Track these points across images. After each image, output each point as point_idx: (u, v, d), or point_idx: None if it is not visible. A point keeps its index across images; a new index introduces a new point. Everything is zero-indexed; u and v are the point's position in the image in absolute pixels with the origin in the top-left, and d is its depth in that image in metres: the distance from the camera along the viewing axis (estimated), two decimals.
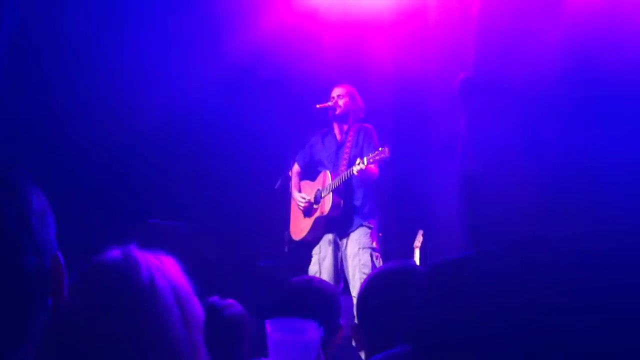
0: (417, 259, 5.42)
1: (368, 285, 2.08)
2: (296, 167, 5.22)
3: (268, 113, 6.18)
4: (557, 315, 0.69)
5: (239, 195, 6.19)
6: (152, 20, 6.03)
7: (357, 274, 4.69)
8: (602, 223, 0.69)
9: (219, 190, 6.20)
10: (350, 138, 4.97)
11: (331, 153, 5.03)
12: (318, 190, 5.00)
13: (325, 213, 4.88)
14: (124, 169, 5.89)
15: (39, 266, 1.06)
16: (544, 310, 0.69)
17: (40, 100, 5.74)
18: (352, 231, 4.85)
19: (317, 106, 5.02)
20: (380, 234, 5.14)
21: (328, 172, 4.96)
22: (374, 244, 4.82)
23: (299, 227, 5.04)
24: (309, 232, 4.97)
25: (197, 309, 1.25)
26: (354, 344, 2.29)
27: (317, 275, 4.75)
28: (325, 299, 2.46)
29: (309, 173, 5.16)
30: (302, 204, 5.00)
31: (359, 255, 4.75)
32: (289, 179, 5.03)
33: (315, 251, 4.97)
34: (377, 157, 4.59)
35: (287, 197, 5.20)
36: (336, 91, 5.06)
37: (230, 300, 2.74)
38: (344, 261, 4.87)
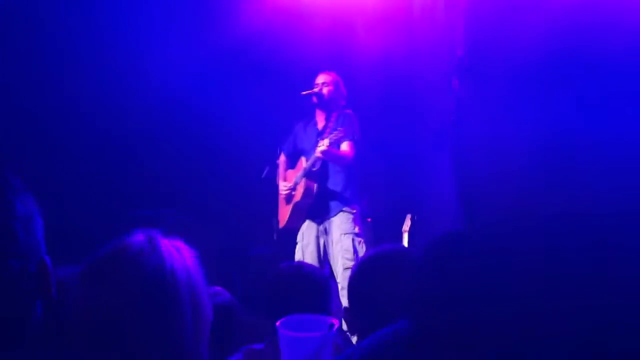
0: (405, 242, 5.43)
1: (359, 269, 2.09)
2: (282, 157, 5.21)
3: (255, 101, 6.16)
4: (555, 290, 0.68)
5: (227, 184, 6.19)
6: (141, 11, 6.00)
7: (339, 260, 4.68)
8: (594, 203, 0.69)
9: (207, 179, 6.19)
10: (330, 125, 4.94)
11: (312, 141, 5.00)
12: (296, 177, 5.01)
13: (298, 199, 4.89)
14: (112, 159, 5.88)
15: (22, 270, 1.04)
16: (543, 284, 0.69)
17: (30, 94, 5.70)
18: (332, 217, 4.82)
19: (302, 93, 5.00)
20: (369, 219, 5.14)
21: (304, 159, 4.96)
22: (357, 229, 4.80)
23: (283, 214, 5.06)
24: (289, 219, 4.98)
25: (207, 303, 1.24)
26: (344, 327, 2.29)
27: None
28: (316, 284, 2.46)
29: (295, 162, 5.15)
30: (284, 192, 5.00)
31: (340, 241, 4.74)
32: (277, 167, 5.03)
33: (299, 238, 4.97)
34: (334, 137, 4.61)
35: (275, 185, 5.19)
36: (321, 78, 5.03)
37: (218, 288, 2.73)
38: (327, 247, 4.87)
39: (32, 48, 5.78)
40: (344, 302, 3.90)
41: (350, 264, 4.54)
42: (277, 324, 1.47)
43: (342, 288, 4.32)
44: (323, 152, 4.62)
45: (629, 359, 0.65)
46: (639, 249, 0.64)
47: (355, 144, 4.83)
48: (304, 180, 4.86)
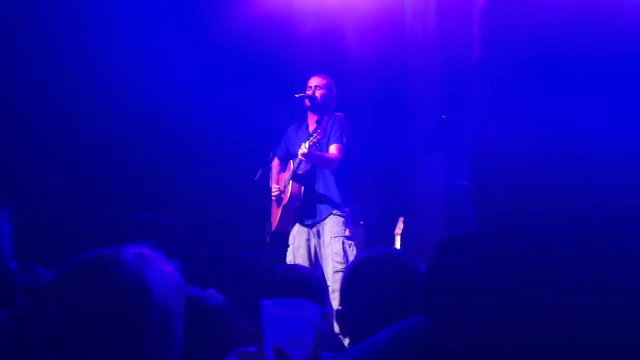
0: (398, 245, 5.45)
1: (352, 271, 2.09)
2: (275, 160, 5.21)
3: (248, 104, 6.17)
4: (563, 291, 0.70)
5: (219, 187, 6.19)
6: (135, 13, 5.99)
7: (329, 263, 4.68)
8: (606, 202, 0.70)
9: (200, 182, 6.19)
10: (321, 127, 4.94)
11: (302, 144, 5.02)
12: (285, 180, 5.01)
13: (285, 202, 4.89)
14: (104, 163, 5.87)
15: None
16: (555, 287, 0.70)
17: (25, 97, 5.69)
18: (322, 220, 4.82)
19: (296, 96, 5.00)
20: (362, 222, 5.15)
21: (292, 162, 4.97)
22: (347, 232, 4.79)
23: (274, 217, 5.06)
24: (279, 222, 4.98)
25: (178, 329, 1.25)
26: (336, 329, 2.30)
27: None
28: (312, 287, 2.46)
29: (286, 165, 5.15)
30: (275, 194, 5.01)
31: (331, 244, 4.73)
32: (270, 169, 5.03)
33: (290, 241, 4.96)
34: (314, 139, 4.61)
35: (267, 188, 5.19)
36: (314, 81, 5.03)
37: (210, 291, 2.73)
38: (317, 250, 4.88)
39: (27, 50, 5.77)
40: (335, 304, 3.90)
41: (341, 267, 4.54)
42: (263, 302, 1.46)
43: (333, 291, 4.32)
44: (304, 155, 4.63)
45: (630, 358, 0.66)
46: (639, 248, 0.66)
47: (343, 146, 4.83)
48: (290, 183, 4.86)
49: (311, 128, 5.02)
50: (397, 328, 0.85)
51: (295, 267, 2.66)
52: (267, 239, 4.78)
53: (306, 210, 4.87)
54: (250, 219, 5.32)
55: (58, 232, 5.13)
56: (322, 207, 4.83)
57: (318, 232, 4.85)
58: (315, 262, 4.87)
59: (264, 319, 1.35)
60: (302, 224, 4.90)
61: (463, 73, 4.93)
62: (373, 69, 6.19)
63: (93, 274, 1.19)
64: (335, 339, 3.77)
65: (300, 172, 4.82)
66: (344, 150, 4.80)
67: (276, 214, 5.04)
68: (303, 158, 4.67)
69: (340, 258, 4.63)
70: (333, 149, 4.80)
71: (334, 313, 2.17)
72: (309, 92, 4.98)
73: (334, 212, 4.81)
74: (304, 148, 4.60)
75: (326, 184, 4.85)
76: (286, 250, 4.96)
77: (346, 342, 2.66)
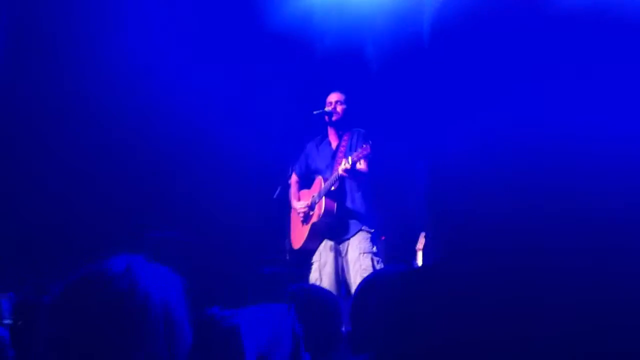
0: (420, 261, 5.40)
1: (361, 290, 2.08)
2: (294, 177, 5.21)
3: (266, 122, 6.19)
4: (529, 319, 0.68)
5: (239, 204, 6.20)
6: (144, 24, 6.05)
7: (358, 279, 4.66)
8: (580, 221, 0.69)
9: (220, 200, 6.21)
10: (344, 143, 4.97)
11: (326, 160, 5.02)
12: (313, 196, 4.99)
13: (319, 219, 4.87)
14: (124, 180, 5.91)
15: None
16: (516, 314, 0.69)
17: (26, 103, 5.75)
18: (352, 236, 4.83)
19: (314, 112, 5.01)
20: (383, 237, 5.12)
21: (321, 178, 4.95)
22: (374, 249, 4.81)
23: (298, 235, 5.03)
24: (307, 239, 4.96)
25: (185, 334, 1.25)
26: (351, 349, 2.28)
27: (318, 282, 4.73)
28: (324, 308, 2.45)
29: (308, 182, 5.13)
30: (302, 212, 4.98)
31: (359, 261, 4.74)
32: (289, 187, 5.01)
33: (315, 258, 4.95)
34: (360, 155, 4.59)
35: (286, 205, 5.19)
36: (334, 97, 5.05)
37: (230, 311, 2.73)
38: (345, 267, 4.85)
39: (32, 57, 5.84)
40: None
41: None
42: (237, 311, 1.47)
43: None
44: (346, 171, 4.61)
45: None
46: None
47: (370, 162, 4.85)
48: (323, 199, 4.85)
49: (334, 144, 5.04)
50: None
51: (309, 288, 2.65)
52: (287, 257, 4.75)
53: (336, 227, 4.87)
54: (268, 236, 5.31)
55: (76, 250, 5.19)
56: (352, 223, 4.85)
57: (344, 248, 4.84)
58: (342, 279, 4.86)
59: (241, 328, 1.36)
60: (331, 240, 4.88)
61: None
62: (392, 82, 6.17)
63: (82, 290, 1.20)
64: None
65: (333, 188, 4.82)
66: (371, 166, 4.82)
67: (302, 231, 5.01)
68: (345, 174, 4.65)
69: (369, 274, 4.61)
70: (362, 164, 4.81)
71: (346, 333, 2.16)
72: (328, 108, 5.00)
73: (362, 227, 4.83)
74: (346, 164, 4.60)
75: (355, 200, 4.88)
76: (307, 268, 4.95)
77: None
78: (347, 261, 4.83)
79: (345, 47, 6.27)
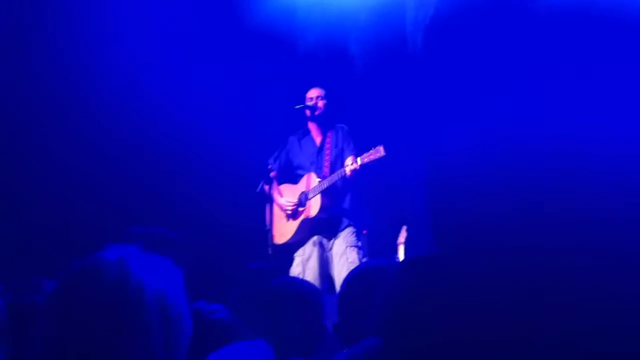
0: (401, 255, 5.44)
1: (348, 283, 2.10)
2: (273, 172, 5.19)
3: (248, 117, 6.19)
4: (529, 317, 0.70)
5: (222, 199, 6.20)
6: (135, 25, 6.03)
7: (344, 272, 4.69)
8: (575, 223, 0.71)
9: (202, 194, 6.20)
10: (329, 140, 4.99)
11: (311, 156, 5.02)
12: (303, 193, 4.98)
13: (312, 215, 4.88)
14: (108, 176, 5.89)
15: None
16: (512, 309, 0.71)
17: (19, 102, 5.73)
18: (342, 230, 4.88)
19: (296, 107, 5.01)
20: (365, 231, 5.15)
21: (313, 175, 4.95)
22: (359, 243, 4.88)
23: (283, 230, 5.00)
24: (294, 235, 4.97)
25: (184, 319, 1.24)
26: (337, 342, 2.29)
27: (301, 276, 4.75)
28: (308, 302, 2.46)
29: (285, 176, 5.10)
30: (290, 208, 4.96)
31: (346, 254, 4.79)
32: (272, 181, 4.98)
33: (298, 253, 4.96)
34: (372, 157, 4.58)
35: (266, 199, 5.16)
36: (315, 92, 5.06)
37: (217, 305, 2.74)
38: (330, 260, 4.88)
39: (28, 59, 5.82)
40: None
41: None
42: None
43: None
44: (352, 172, 4.63)
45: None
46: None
47: (356, 157, 4.88)
48: (319, 196, 4.85)
49: (317, 140, 5.05)
50: (354, 349, 0.86)
51: (292, 281, 2.66)
52: (270, 251, 4.75)
53: (328, 223, 4.91)
54: (250, 231, 5.31)
55: (64, 245, 5.16)
56: (342, 219, 4.90)
57: (332, 242, 4.89)
58: (326, 273, 4.88)
59: None
60: (321, 235, 4.90)
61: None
62: (375, 78, 6.20)
63: (75, 282, 1.19)
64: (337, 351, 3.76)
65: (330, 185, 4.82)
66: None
67: (287, 226, 5.00)
68: (350, 173, 4.65)
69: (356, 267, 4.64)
70: (352, 159, 4.84)
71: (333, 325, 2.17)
72: (310, 104, 5.00)
73: (350, 223, 4.89)
74: (354, 165, 4.60)
75: (345, 197, 4.94)
76: (286, 262, 4.97)
77: None
78: (332, 255, 4.87)
79: (328, 44, 6.29)
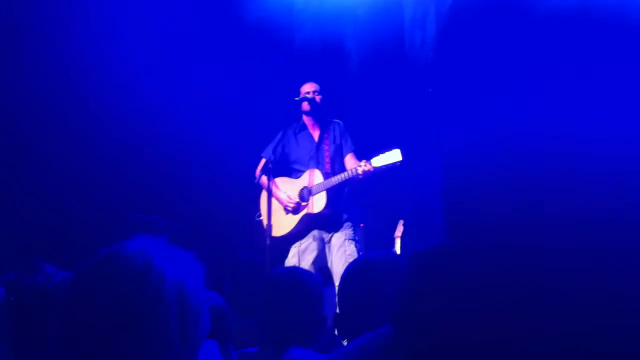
0: (398, 248, 5.48)
1: (349, 274, 2.11)
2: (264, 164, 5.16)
3: (246, 108, 6.20)
4: (535, 309, 0.71)
5: (219, 188, 6.21)
6: (133, 18, 6.03)
7: (342, 264, 4.71)
8: (583, 219, 0.72)
9: (199, 183, 6.22)
10: (326, 135, 5.01)
11: (310, 151, 5.02)
12: (305, 188, 4.98)
13: (316, 211, 4.90)
14: (105, 165, 5.90)
15: None
16: (523, 303, 0.71)
17: (28, 98, 5.72)
18: (340, 225, 4.92)
19: (295, 99, 5.00)
20: (362, 225, 5.18)
21: (317, 171, 4.96)
22: (356, 237, 4.95)
23: (281, 223, 4.98)
24: (293, 229, 4.97)
25: (201, 311, 1.25)
26: (336, 333, 2.33)
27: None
28: (309, 291, 2.48)
29: (280, 170, 5.06)
30: (291, 204, 4.97)
31: (344, 246, 4.84)
32: (270, 172, 4.93)
33: (295, 244, 4.96)
34: (388, 161, 4.64)
35: (260, 191, 5.16)
36: (311, 87, 5.05)
37: (211, 292, 2.77)
38: (327, 253, 4.92)
39: (29, 54, 5.81)
40: None
41: None
42: None
43: None
44: (365, 173, 4.66)
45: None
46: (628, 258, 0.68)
47: (355, 154, 4.98)
48: (324, 193, 4.87)
49: (315, 135, 5.04)
50: (367, 338, 0.87)
51: (293, 271, 2.67)
52: (267, 242, 4.75)
53: (330, 218, 4.93)
54: (248, 221, 5.33)
55: (61, 232, 5.18)
56: (342, 214, 4.94)
57: (331, 235, 4.94)
58: (320, 266, 4.91)
59: None
60: (321, 229, 4.94)
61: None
62: (372, 73, 6.22)
63: (99, 270, 1.20)
64: (335, 341, 3.80)
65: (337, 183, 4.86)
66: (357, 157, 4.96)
67: (286, 220, 4.96)
68: (362, 176, 4.68)
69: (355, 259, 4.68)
70: (352, 157, 4.98)
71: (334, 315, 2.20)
72: (308, 96, 5.01)
73: (348, 217, 4.95)
74: (369, 166, 4.63)
75: (345, 192, 4.99)
76: (281, 253, 4.98)
77: (346, 344, 2.69)
78: (330, 247, 4.91)
79: (325, 39, 6.30)
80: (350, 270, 2.14)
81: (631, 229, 0.67)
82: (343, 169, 4.95)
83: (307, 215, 4.94)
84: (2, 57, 5.66)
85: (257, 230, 5.07)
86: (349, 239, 4.86)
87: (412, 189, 5.80)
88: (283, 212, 5.00)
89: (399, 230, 5.51)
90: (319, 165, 4.97)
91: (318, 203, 4.90)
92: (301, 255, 4.90)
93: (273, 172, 4.94)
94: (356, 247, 4.87)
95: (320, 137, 5.03)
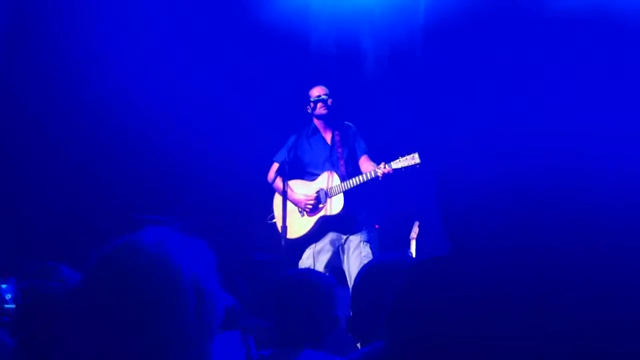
0: (413, 250, 5.46)
1: (362, 277, 2.10)
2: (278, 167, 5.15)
3: (261, 107, 6.21)
4: (534, 316, 0.70)
5: (234, 189, 6.23)
6: (141, 18, 6.06)
7: (357, 266, 4.74)
8: (583, 221, 0.71)
9: (213, 184, 6.24)
10: (338, 138, 5.03)
11: (323, 154, 5.05)
12: (322, 190, 5.00)
13: (333, 213, 4.92)
14: (118, 165, 5.93)
15: None
16: (521, 311, 0.71)
17: (34, 98, 5.77)
18: (356, 227, 4.95)
19: (312, 100, 5.01)
20: (377, 226, 5.18)
21: (335, 174, 4.97)
22: (371, 239, 4.95)
23: (296, 225, 5.00)
24: (310, 230, 4.99)
25: (216, 300, 1.26)
26: (350, 335, 2.31)
27: (312, 268, 4.77)
28: (322, 292, 2.48)
29: (293, 173, 5.02)
30: (310, 204, 4.98)
31: (359, 248, 4.87)
32: (286, 174, 4.93)
33: (310, 246, 4.99)
34: (407, 163, 4.68)
35: (273, 193, 5.17)
36: (322, 90, 5.06)
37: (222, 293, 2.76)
38: (342, 254, 4.92)
39: (32, 53, 5.85)
40: None
41: None
42: None
43: None
44: (384, 175, 4.69)
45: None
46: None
47: (369, 155, 5.01)
48: (342, 195, 4.89)
49: (327, 138, 5.06)
50: (363, 352, 0.87)
51: (306, 272, 2.67)
52: (282, 242, 4.75)
53: (347, 220, 4.96)
54: (262, 223, 5.33)
55: (68, 232, 5.22)
56: (360, 217, 4.97)
57: (346, 237, 4.96)
58: (336, 266, 4.92)
59: None
60: (338, 232, 4.96)
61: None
62: (387, 75, 6.20)
63: (116, 259, 1.21)
64: (348, 343, 3.79)
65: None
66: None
67: (302, 222, 4.99)
68: (380, 177, 4.71)
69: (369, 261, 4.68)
70: (366, 159, 5.01)
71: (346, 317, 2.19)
72: (324, 97, 5.02)
73: (364, 219, 4.99)
74: (388, 168, 4.68)
75: (363, 194, 5.00)
76: (296, 254, 4.99)
77: (359, 346, 2.68)
78: (345, 249, 4.94)
79: (342, 39, 6.29)
80: (364, 273, 2.13)
81: (631, 229, 0.66)
82: (357, 171, 4.97)
83: (324, 217, 4.95)
84: (11, 56, 5.70)
85: (270, 233, 5.08)
86: (364, 241, 4.90)
87: (428, 191, 5.77)
88: (298, 214, 5.01)
89: (415, 232, 5.49)
90: (334, 167, 4.99)
91: (336, 205, 4.91)
92: (316, 257, 4.91)
93: (288, 174, 4.95)
94: (371, 249, 4.88)
95: (333, 139, 5.06)
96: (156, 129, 6.08)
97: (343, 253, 4.93)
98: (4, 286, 2.87)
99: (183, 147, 6.18)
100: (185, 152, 6.19)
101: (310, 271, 2.82)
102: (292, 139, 5.06)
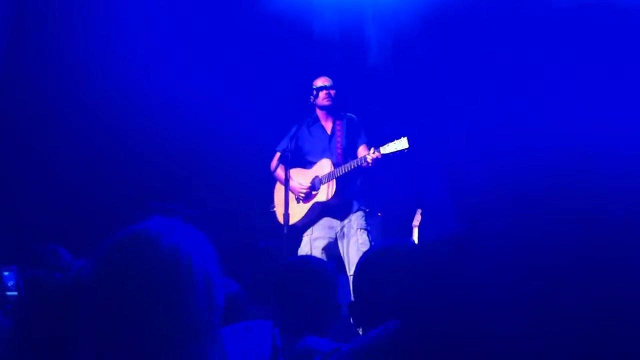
0: (415, 237, 5.48)
1: (364, 263, 2.10)
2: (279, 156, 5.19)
3: (265, 97, 6.22)
4: (540, 301, 0.71)
5: (237, 177, 6.24)
6: (146, 16, 6.06)
7: (355, 253, 4.78)
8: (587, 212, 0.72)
9: (216, 174, 6.26)
10: (339, 127, 5.06)
11: (322, 143, 5.09)
12: (316, 177, 5.04)
13: (325, 199, 4.96)
14: (124, 155, 5.95)
15: None
16: (527, 295, 0.72)
17: (44, 92, 5.79)
18: (354, 213, 4.98)
19: (314, 87, 5.03)
20: (380, 214, 5.20)
21: (329, 161, 5.01)
22: (369, 227, 5.00)
23: (293, 212, 5.02)
24: (304, 217, 5.05)
25: (219, 290, 1.29)
26: (351, 321, 2.33)
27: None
28: (324, 279, 2.49)
29: (293, 162, 5.08)
30: (303, 192, 5.01)
31: (356, 235, 4.91)
32: (287, 162, 4.97)
33: (307, 232, 5.05)
34: (395, 148, 4.70)
35: (274, 181, 5.21)
36: (326, 81, 5.08)
37: (226, 280, 2.78)
38: (340, 242, 4.95)
39: (37, 50, 5.87)
40: None
41: None
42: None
43: None
44: (374, 160, 4.70)
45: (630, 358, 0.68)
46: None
47: (368, 145, 5.00)
48: (333, 182, 4.93)
49: (328, 127, 5.09)
50: (373, 336, 0.87)
51: (308, 259, 2.68)
52: (285, 230, 4.79)
53: (340, 206, 5.01)
54: (265, 210, 5.36)
55: (71, 222, 5.24)
56: (354, 203, 5.01)
57: (343, 226, 4.98)
58: (333, 253, 4.95)
59: (226, 346, 1.40)
60: (333, 218, 4.99)
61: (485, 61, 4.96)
62: (391, 66, 6.19)
63: (129, 248, 1.22)
64: (350, 330, 3.81)
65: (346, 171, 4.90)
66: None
67: (297, 209, 5.04)
68: (370, 164, 4.74)
69: (366, 248, 4.71)
70: (364, 148, 5.03)
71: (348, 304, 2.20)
72: (327, 89, 5.04)
73: (361, 207, 5.02)
74: (377, 154, 4.71)
75: (356, 182, 5.05)
76: (295, 241, 5.03)
77: (360, 332, 2.69)
78: (342, 236, 4.97)
79: (345, 28, 6.28)
80: (366, 259, 2.13)
81: (632, 227, 0.67)
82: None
83: (317, 203, 5.01)
84: (13, 55, 5.72)
85: (273, 221, 5.12)
86: (360, 229, 4.93)
87: (430, 179, 5.78)
88: (295, 202, 5.06)
89: (417, 220, 5.52)
90: (331, 156, 5.01)
91: (327, 191, 4.96)
92: (312, 243, 4.97)
93: (289, 162, 4.99)
94: (368, 236, 4.92)
95: (333, 129, 5.10)
96: (160, 119, 6.09)
97: (340, 240, 4.97)
98: (5, 273, 2.89)
99: (187, 137, 6.20)
100: (189, 142, 6.21)
101: (311, 258, 2.84)
102: (294, 128, 5.10)
